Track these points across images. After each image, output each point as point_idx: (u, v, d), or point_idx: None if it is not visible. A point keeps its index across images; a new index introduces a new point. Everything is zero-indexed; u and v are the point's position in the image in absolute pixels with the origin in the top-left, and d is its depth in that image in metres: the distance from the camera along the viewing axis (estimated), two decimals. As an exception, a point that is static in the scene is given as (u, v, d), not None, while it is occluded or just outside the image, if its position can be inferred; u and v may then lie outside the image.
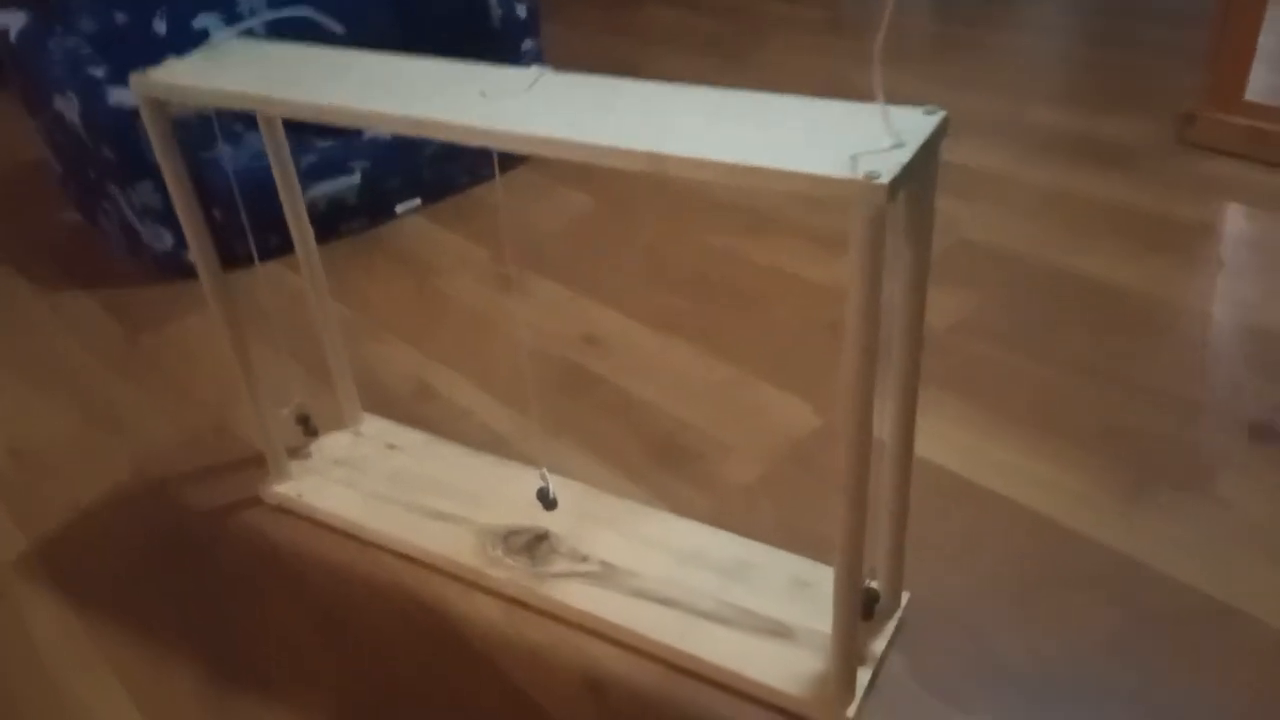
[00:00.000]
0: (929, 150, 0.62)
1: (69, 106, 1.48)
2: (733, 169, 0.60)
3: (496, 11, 1.75)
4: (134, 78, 0.83)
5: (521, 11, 1.77)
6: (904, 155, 0.59)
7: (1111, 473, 1.03)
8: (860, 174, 0.57)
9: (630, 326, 1.36)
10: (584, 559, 0.94)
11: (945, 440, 1.10)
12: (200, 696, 0.87)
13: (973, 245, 1.48)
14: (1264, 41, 1.61)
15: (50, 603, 0.98)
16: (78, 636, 0.95)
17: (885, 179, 0.56)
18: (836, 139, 0.62)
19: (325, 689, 0.87)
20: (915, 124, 0.63)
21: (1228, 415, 1.10)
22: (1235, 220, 1.51)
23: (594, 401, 1.21)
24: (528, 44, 1.80)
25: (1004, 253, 1.45)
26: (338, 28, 0.91)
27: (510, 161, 1.86)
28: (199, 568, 1.01)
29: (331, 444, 1.12)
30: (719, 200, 1.66)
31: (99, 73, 1.47)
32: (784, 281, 1.44)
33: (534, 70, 0.76)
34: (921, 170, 0.63)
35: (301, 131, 1.58)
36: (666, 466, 1.10)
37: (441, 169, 1.73)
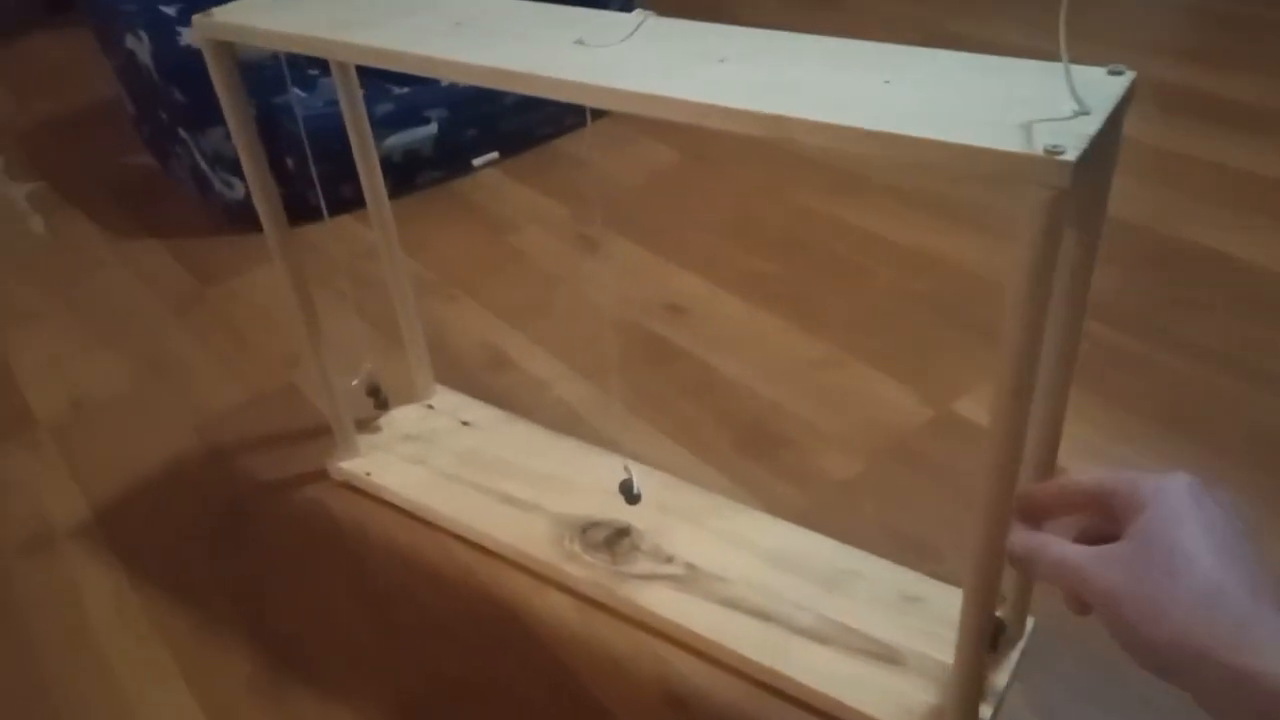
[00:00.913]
0: (1115, 121, 0.51)
1: (140, 46, 1.42)
2: (874, 136, 0.50)
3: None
4: (196, 19, 0.75)
5: (610, -50, 1.65)
6: (1090, 126, 0.48)
7: (1255, 481, 0.91)
8: (1039, 148, 0.46)
9: (715, 294, 1.27)
10: (668, 559, 0.86)
11: (1067, 440, 0.98)
12: (251, 676, 0.82)
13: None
14: None
15: (106, 569, 0.94)
16: (131, 606, 0.90)
17: (1071, 155, 0.46)
18: (998, 103, 0.51)
19: (381, 679, 0.81)
20: (1099, 86, 0.52)
21: (1401, 424, 0.97)
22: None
23: (676, 377, 1.13)
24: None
25: (1131, 225, 1.31)
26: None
27: (594, 112, 1.76)
28: (259, 541, 0.96)
29: (402, 417, 1.05)
30: (810, 156, 1.54)
31: (171, 10, 1.41)
32: (881, 247, 1.32)
33: (636, 15, 0.66)
34: (1106, 146, 0.52)
35: (377, 77, 1.50)
36: (756, 455, 1.01)
37: (522, 120, 1.64)
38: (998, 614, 0.75)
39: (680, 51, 0.61)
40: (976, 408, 1.03)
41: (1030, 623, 0.78)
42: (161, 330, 1.31)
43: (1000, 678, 0.74)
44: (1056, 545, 0.51)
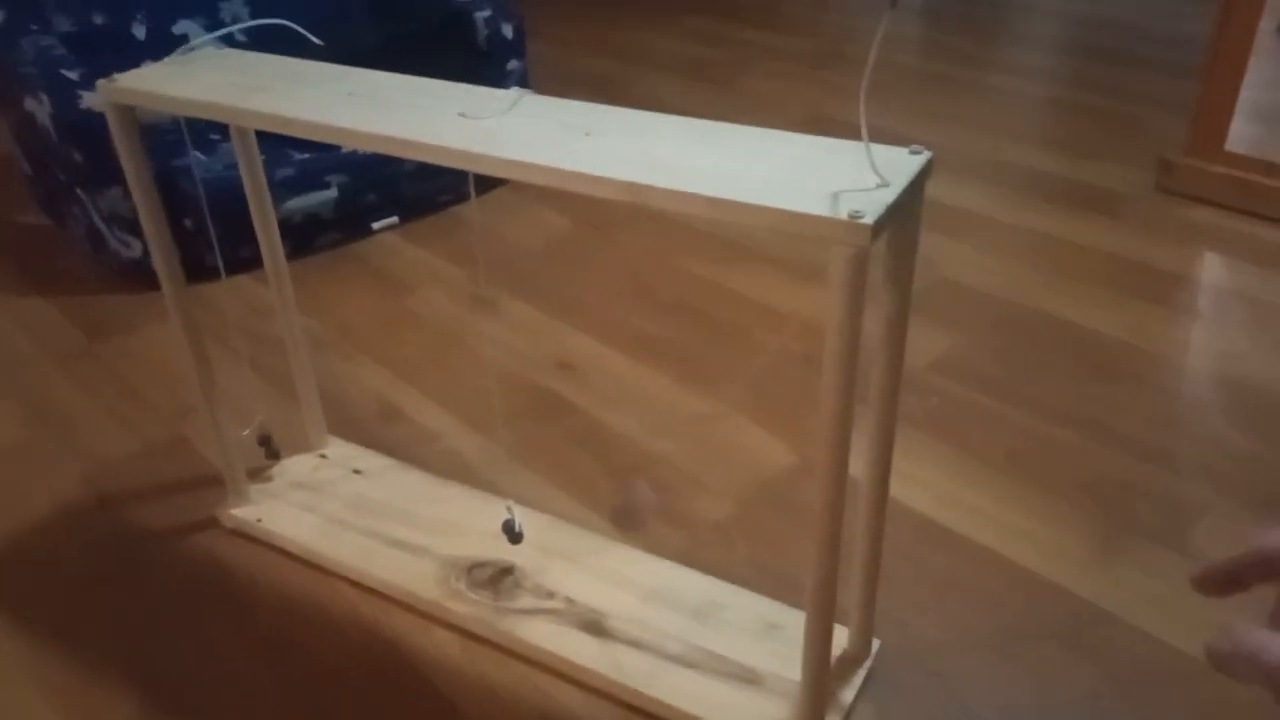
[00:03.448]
0: (914, 191, 0.61)
1: (40, 108, 1.45)
2: (715, 203, 0.59)
3: (482, 31, 1.73)
4: (101, 83, 0.80)
5: (508, 31, 1.75)
6: (888, 195, 0.57)
7: (1088, 523, 1.02)
8: (843, 213, 0.55)
9: (604, 353, 1.34)
10: (549, 595, 0.91)
11: (920, 483, 1.08)
12: (140, 726, 0.84)
13: (954, 284, 1.47)
14: (1246, 94, 1.63)
15: (-11, 622, 0.94)
16: (18, 651, 0.90)
17: (869, 219, 0.55)
18: (820, 176, 0.60)
19: (272, 723, 0.83)
20: (900, 163, 0.61)
21: (1202, 467, 1.09)
22: (1214, 269, 1.51)
23: (564, 430, 1.19)
24: (513, 64, 1.78)
25: (984, 293, 1.44)
26: (318, 41, 0.88)
27: (490, 181, 1.84)
28: (146, 590, 0.97)
29: (294, 466, 1.08)
30: (698, 227, 1.65)
31: (73, 75, 1.44)
32: (761, 312, 1.42)
33: (514, 91, 0.74)
34: (906, 211, 0.61)
35: (278, 143, 1.55)
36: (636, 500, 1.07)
37: (420, 186, 1.70)
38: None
39: (553, 125, 0.69)
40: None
41: (875, 644, 0.85)
42: (51, 384, 1.31)
43: (848, 694, 0.81)
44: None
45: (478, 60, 1.76)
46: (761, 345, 1.35)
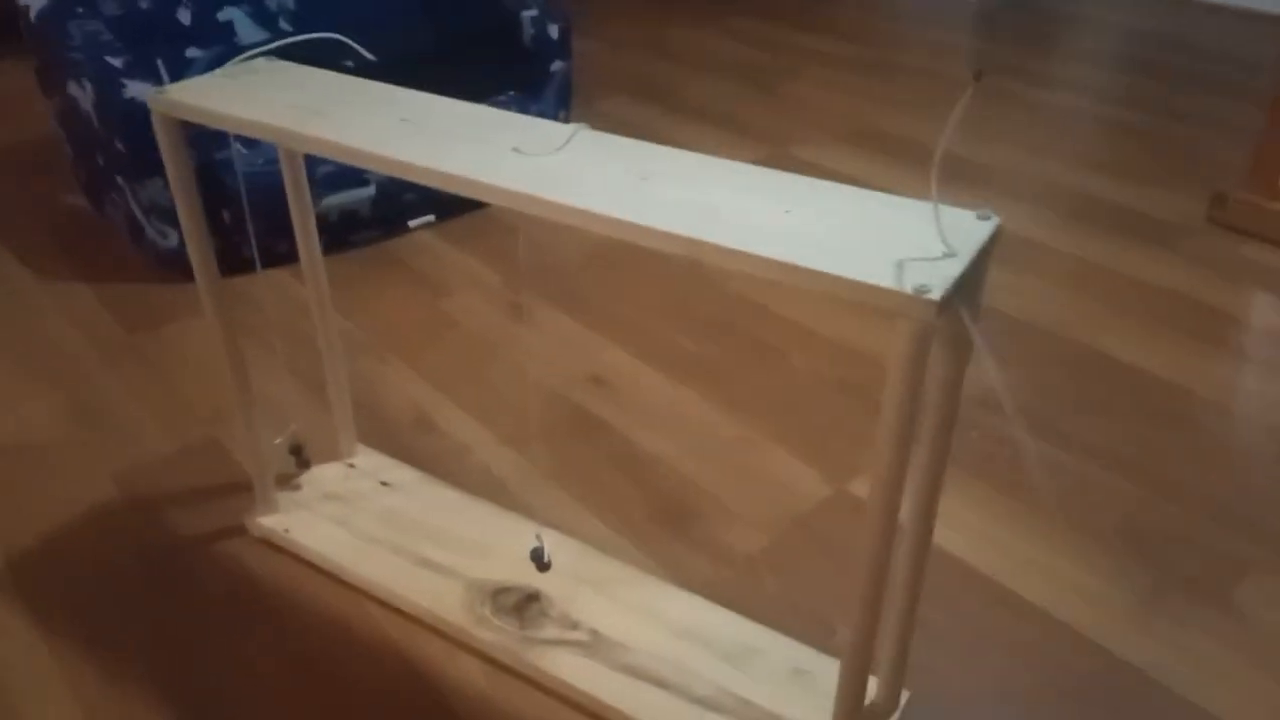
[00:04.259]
0: (980, 262, 0.59)
1: (83, 94, 1.45)
2: (774, 265, 0.57)
3: (529, 31, 1.72)
4: (151, 96, 0.79)
5: (553, 32, 1.73)
6: (955, 268, 0.55)
7: (1128, 574, 1.00)
8: (909, 286, 0.53)
9: (640, 369, 1.33)
10: (574, 625, 0.90)
11: (958, 523, 1.06)
12: (164, 739, 0.84)
13: (1002, 316, 1.44)
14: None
15: (17, 618, 0.95)
16: (41, 658, 0.91)
17: (936, 294, 0.53)
18: (882, 239, 0.58)
19: (295, 744, 0.83)
20: (968, 230, 0.59)
21: (1250, 521, 1.06)
22: (1268, 311, 1.47)
23: (597, 449, 1.18)
24: (557, 64, 1.76)
25: (1033, 326, 1.42)
26: (370, 56, 0.87)
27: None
28: (176, 596, 0.97)
29: (323, 476, 1.08)
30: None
31: (117, 62, 1.43)
32: (800, 334, 1.40)
33: (570, 127, 0.72)
34: (971, 282, 0.59)
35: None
36: (668, 527, 1.06)
37: (459, 185, 1.69)
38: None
39: (607, 167, 0.68)
40: (867, 488, 1.10)
41: (905, 695, 0.84)
42: (90, 375, 1.31)
43: (877, 750, 0.80)
44: None
45: (523, 60, 1.74)
46: (799, 369, 1.33)
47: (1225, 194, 1.67)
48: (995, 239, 0.61)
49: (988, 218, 0.61)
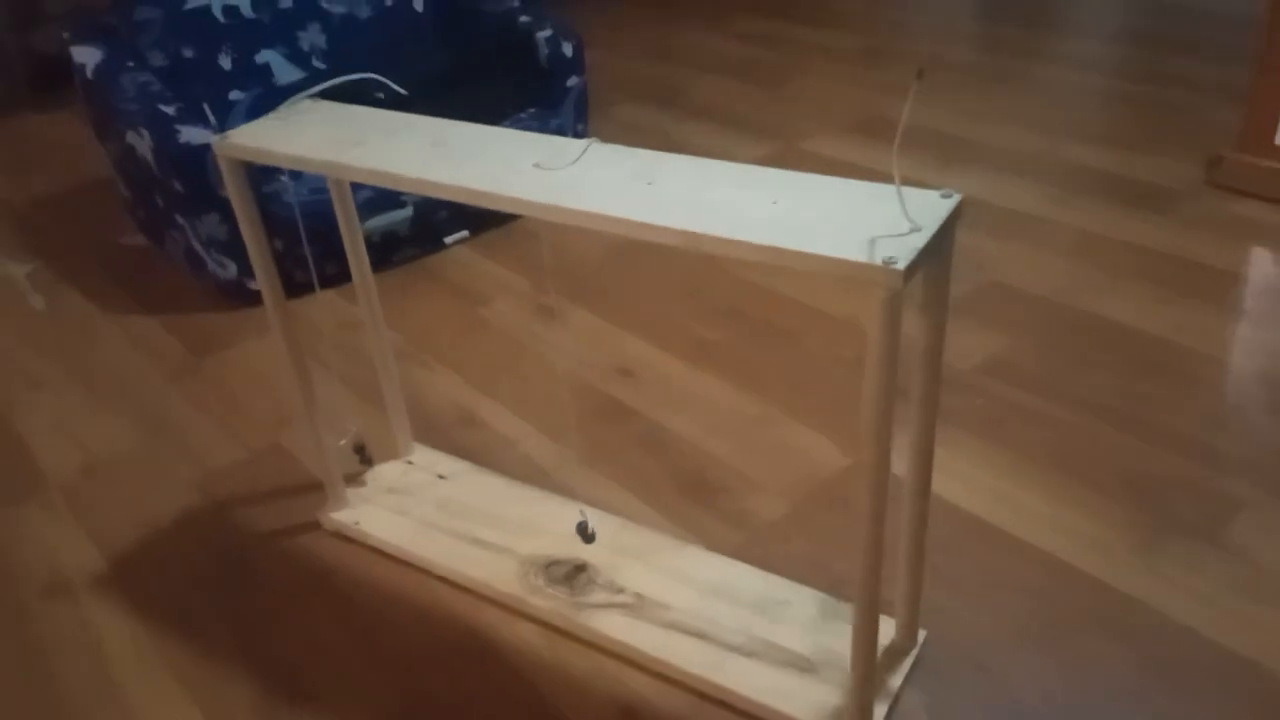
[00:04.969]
0: (944, 234, 0.68)
1: (140, 141, 1.57)
2: (761, 249, 0.66)
3: (544, 50, 1.82)
4: (216, 142, 0.90)
5: (568, 50, 1.84)
6: (919, 240, 0.64)
7: (1130, 519, 1.07)
8: (878, 259, 0.62)
9: (662, 358, 1.42)
10: (619, 590, 1.00)
11: (967, 481, 1.14)
12: (254, 700, 0.95)
13: (1003, 286, 1.52)
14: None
15: (120, 612, 1.06)
16: (144, 648, 1.02)
17: (901, 264, 0.62)
18: (860, 221, 0.67)
19: (370, 705, 0.93)
20: (931, 208, 0.68)
21: (1245, 463, 1.13)
22: (1262, 265, 1.53)
23: (628, 434, 1.27)
24: (573, 80, 1.86)
25: (1033, 294, 1.49)
26: (403, 91, 0.98)
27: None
28: (258, 586, 1.08)
29: (385, 473, 1.19)
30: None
31: (170, 110, 1.56)
32: (812, 316, 1.49)
33: (584, 141, 0.82)
34: (936, 252, 0.68)
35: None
36: (697, 500, 1.15)
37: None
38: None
39: (617, 174, 0.77)
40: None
41: (922, 634, 0.92)
42: (163, 398, 1.44)
43: (895, 680, 0.88)
44: None
45: (540, 78, 1.85)
46: (812, 349, 1.42)
47: (1221, 155, 1.73)
48: (958, 213, 0.69)
49: (950, 195, 0.70)
